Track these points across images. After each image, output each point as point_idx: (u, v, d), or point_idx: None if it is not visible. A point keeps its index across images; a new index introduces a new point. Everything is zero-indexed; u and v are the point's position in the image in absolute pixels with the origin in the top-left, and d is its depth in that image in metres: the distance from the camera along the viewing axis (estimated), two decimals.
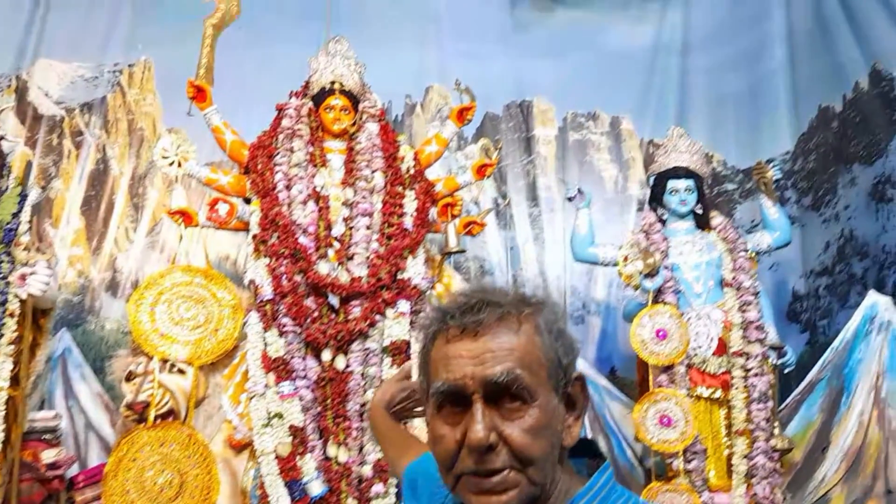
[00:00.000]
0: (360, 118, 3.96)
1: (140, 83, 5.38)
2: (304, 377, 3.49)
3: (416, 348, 3.64)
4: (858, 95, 4.91)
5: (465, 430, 0.98)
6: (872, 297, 4.16)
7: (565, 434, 1.04)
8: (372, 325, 3.57)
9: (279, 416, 3.40)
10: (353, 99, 3.94)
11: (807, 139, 5.34)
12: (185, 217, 3.71)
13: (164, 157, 3.72)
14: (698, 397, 3.78)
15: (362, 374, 3.55)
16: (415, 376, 1.28)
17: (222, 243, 5.01)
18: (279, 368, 3.46)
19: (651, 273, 3.77)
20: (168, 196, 5.14)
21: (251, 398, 3.48)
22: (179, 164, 3.73)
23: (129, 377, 3.57)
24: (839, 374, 4.06)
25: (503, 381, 0.97)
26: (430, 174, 4.09)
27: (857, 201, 4.87)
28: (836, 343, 4.16)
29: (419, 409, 1.76)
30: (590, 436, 4.23)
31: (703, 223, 4.13)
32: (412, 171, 3.92)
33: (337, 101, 3.90)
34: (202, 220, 3.74)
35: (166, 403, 3.49)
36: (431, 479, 1.29)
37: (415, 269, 3.73)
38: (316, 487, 3.33)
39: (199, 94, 3.82)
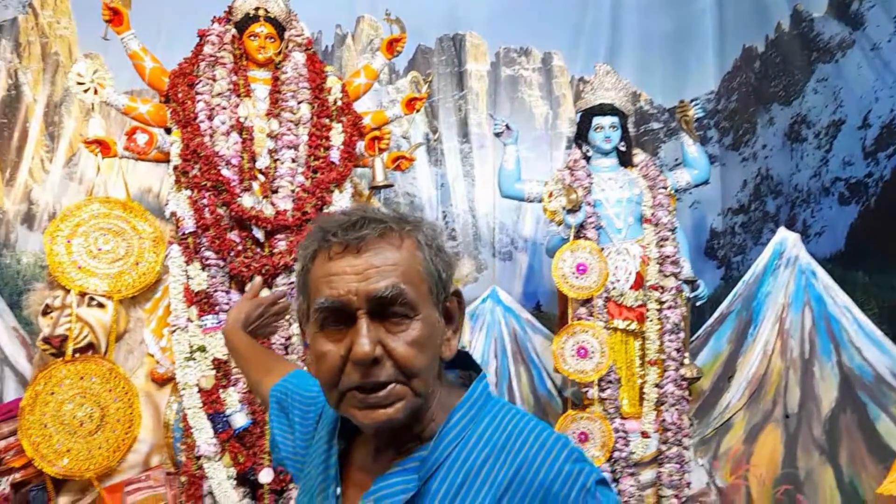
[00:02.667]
0: (286, 47, 3.87)
1: (54, 4, 5.10)
2: (228, 311, 3.47)
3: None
4: (780, 36, 5.02)
5: (349, 345, 0.99)
6: (782, 234, 4.35)
7: (444, 347, 1.07)
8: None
9: (202, 349, 3.40)
10: (279, 27, 3.84)
11: (730, 79, 5.46)
12: (103, 147, 3.60)
13: (80, 84, 3.58)
14: (615, 329, 3.93)
15: (287, 309, 3.54)
16: (267, 292, 1.26)
17: (144, 175, 4.88)
18: (202, 302, 3.44)
19: (574, 209, 3.85)
20: (86, 125, 4.95)
21: (173, 332, 3.45)
22: (96, 91, 3.59)
23: (46, 311, 3.49)
24: (748, 307, 4.27)
25: (388, 295, 0.99)
26: (361, 107, 4.04)
27: (774, 141, 5.03)
28: (746, 277, 4.36)
29: (275, 324, 1.77)
30: (512, 368, 4.37)
31: (626, 160, 4.22)
32: (340, 104, 3.87)
33: (261, 28, 3.79)
34: (121, 151, 3.64)
35: (85, 337, 3.44)
36: (301, 396, 1.31)
37: (341, 203, 3.71)
38: (239, 419, 3.36)
39: (115, 17, 3.66)
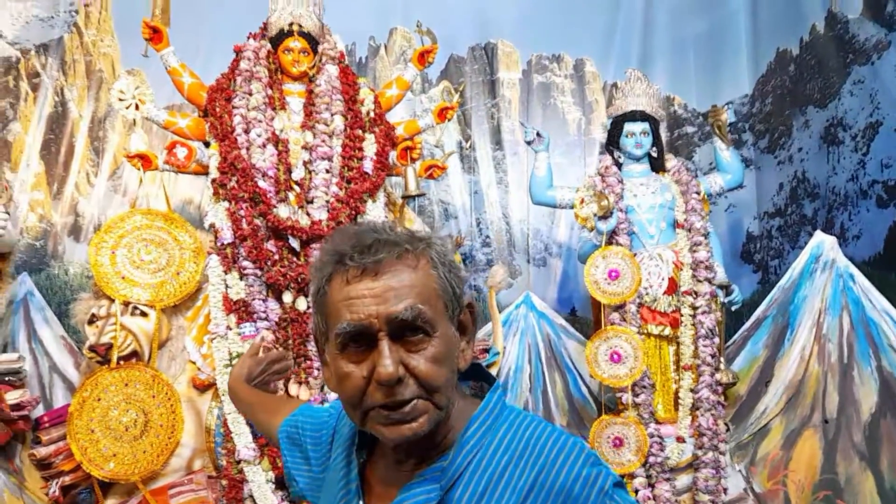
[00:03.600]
0: (320, 60, 3.95)
1: (97, 23, 5.27)
2: (266, 318, 3.56)
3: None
4: (815, 38, 4.97)
5: (371, 366, 1.02)
6: (819, 237, 4.30)
7: (460, 359, 1.10)
8: None
9: (241, 356, 3.47)
10: (312, 41, 3.93)
11: (765, 82, 5.41)
12: (144, 161, 3.72)
13: (121, 100, 3.70)
14: (648, 334, 3.92)
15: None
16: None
17: (185, 187, 5.01)
18: (240, 310, 3.53)
19: (605, 215, 3.86)
20: (128, 139, 5.10)
21: (213, 339, 3.55)
22: (137, 107, 3.71)
23: (92, 320, 3.61)
24: (784, 312, 4.22)
25: (408, 317, 1.01)
26: (394, 117, 4.11)
27: (810, 144, 4.98)
28: (783, 281, 4.31)
29: (276, 377, 1.81)
30: (546, 374, 4.38)
31: (657, 166, 4.22)
32: (372, 115, 3.95)
33: (296, 42, 3.88)
34: (161, 164, 3.75)
35: (129, 345, 3.56)
36: (311, 423, 1.35)
37: (375, 213, 3.79)
38: None
39: (155, 35, 3.78)
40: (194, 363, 3.71)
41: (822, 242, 4.23)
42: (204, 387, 3.67)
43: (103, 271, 3.58)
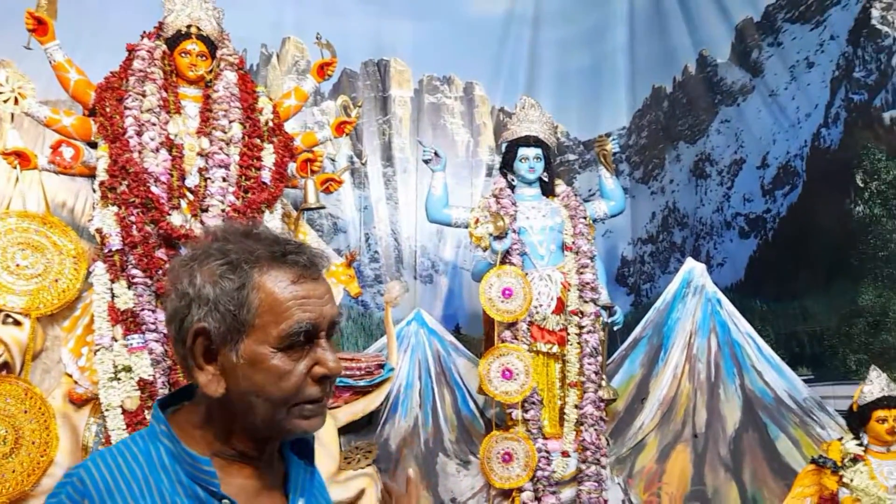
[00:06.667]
0: (218, 66, 3.87)
1: None
2: (155, 330, 3.41)
3: None
4: (686, 78, 5.39)
5: (310, 363, 1.08)
6: (690, 264, 4.61)
7: None
8: None
9: (127, 369, 3.32)
10: (211, 45, 3.84)
11: (641, 116, 5.79)
12: (22, 159, 3.49)
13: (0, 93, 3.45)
14: (537, 352, 4.07)
15: None
16: None
17: (56, 189, 4.69)
18: (128, 321, 3.37)
19: (500, 235, 3.98)
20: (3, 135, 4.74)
21: (97, 351, 3.36)
22: (16, 101, 3.48)
23: None
24: (659, 333, 4.50)
25: (339, 320, 1.13)
26: (286, 129, 4.06)
27: (681, 176, 5.37)
28: (657, 304, 4.60)
29: None
30: (436, 390, 4.45)
31: (548, 190, 4.41)
32: (271, 124, 3.90)
33: (193, 45, 3.78)
34: (42, 163, 3.53)
35: (0, 356, 3.31)
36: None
37: (272, 224, 3.73)
38: None
39: (39, 28, 3.58)
40: (71, 376, 3.49)
41: (693, 269, 4.54)
42: (81, 401, 3.47)
43: None
